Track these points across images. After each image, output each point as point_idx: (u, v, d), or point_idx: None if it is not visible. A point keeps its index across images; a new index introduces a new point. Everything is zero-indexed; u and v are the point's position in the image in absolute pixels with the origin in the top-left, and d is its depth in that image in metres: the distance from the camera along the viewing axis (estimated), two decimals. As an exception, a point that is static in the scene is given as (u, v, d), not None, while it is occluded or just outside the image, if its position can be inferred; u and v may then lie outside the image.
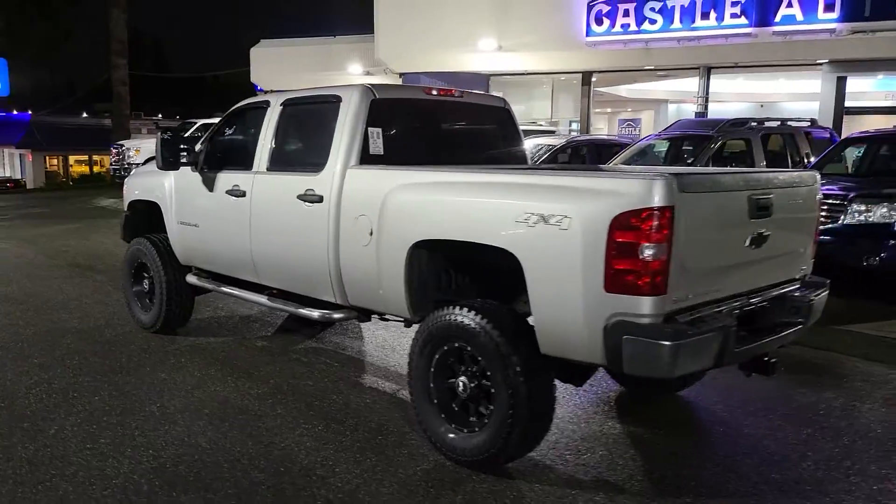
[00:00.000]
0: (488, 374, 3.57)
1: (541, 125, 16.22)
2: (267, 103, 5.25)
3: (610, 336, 3.14)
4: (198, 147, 5.70)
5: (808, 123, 10.37)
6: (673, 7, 14.09)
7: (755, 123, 9.81)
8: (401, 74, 17.65)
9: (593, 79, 17.57)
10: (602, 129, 24.71)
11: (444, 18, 16.30)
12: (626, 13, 14.52)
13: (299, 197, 4.63)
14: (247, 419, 4.34)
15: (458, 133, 5.29)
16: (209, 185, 5.49)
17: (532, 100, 19.26)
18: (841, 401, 4.86)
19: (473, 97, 5.29)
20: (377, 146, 4.56)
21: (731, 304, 3.54)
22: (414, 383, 3.97)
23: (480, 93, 5.49)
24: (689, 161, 9.33)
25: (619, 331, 3.12)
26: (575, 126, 18.11)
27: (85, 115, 51.29)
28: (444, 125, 5.15)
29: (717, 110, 16.70)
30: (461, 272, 4.25)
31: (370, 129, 4.52)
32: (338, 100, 4.64)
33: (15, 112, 42.96)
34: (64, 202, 20.98)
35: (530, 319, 3.52)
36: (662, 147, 10.53)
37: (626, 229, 3.06)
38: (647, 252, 3.04)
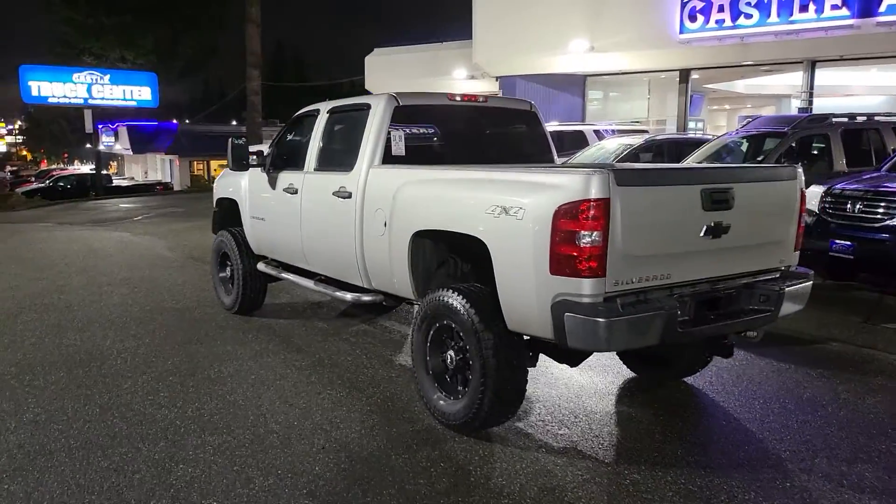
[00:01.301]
0: (467, 347, 4.05)
1: (636, 124, 16.16)
2: (317, 111, 5.97)
3: (555, 313, 3.55)
4: (266, 150, 6.53)
5: (900, 118, 9.90)
6: (770, 1, 13.71)
7: (837, 119, 9.54)
8: (497, 78, 18.15)
9: (694, 76, 17.30)
10: (722, 126, 24.05)
11: (538, 22, 16.65)
12: (721, 9, 14.27)
13: (334, 193, 5.29)
14: (283, 384, 5.05)
15: (482, 135, 5.76)
16: (273, 183, 6.29)
17: (629, 99, 19.18)
18: (850, 394, 4.91)
19: (498, 101, 5.76)
20: (399, 148, 5.14)
21: (687, 288, 3.83)
22: (414, 356, 4.52)
23: (506, 97, 5.93)
24: (760, 159, 9.23)
25: (561, 309, 3.52)
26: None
27: (234, 122, 55.31)
28: (468, 128, 5.64)
29: (845, 105, 15.98)
30: (463, 259, 4.74)
31: (392, 132, 5.11)
32: (368, 107, 5.26)
33: (158, 121, 47.02)
34: (199, 202, 23.07)
35: None
36: (744, 145, 10.43)
37: (566, 219, 3.46)
38: (585, 239, 3.43)
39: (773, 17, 13.74)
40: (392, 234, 4.68)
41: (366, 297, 5.32)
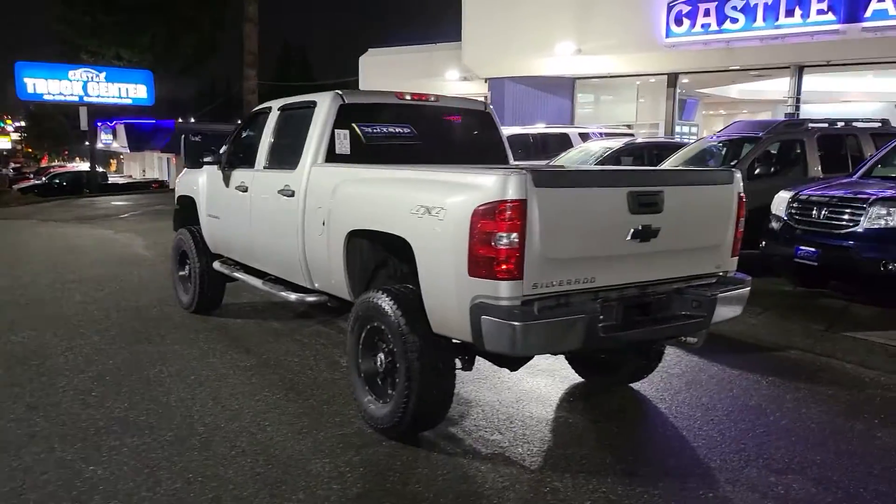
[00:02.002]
0: (395, 350, 3.98)
1: (620, 128, 16.09)
2: (270, 109, 5.90)
3: (473, 316, 3.47)
4: (223, 148, 6.46)
5: (878, 124, 9.81)
6: (756, 5, 13.64)
7: (814, 125, 9.45)
8: (486, 80, 18.08)
9: (684, 80, 17.22)
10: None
11: (526, 24, 16.58)
12: (707, 13, 14.20)
13: (279, 191, 5.22)
14: (221, 385, 4.97)
15: (433, 135, 5.67)
16: (227, 181, 6.22)
17: (619, 103, 19.11)
18: (797, 403, 4.83)
19: (451, 101, 5.68)
20: (343, 146, 5.06)
21: (613, 293, 3.75)
22: (348, 358, 4.44)
23: (460, 97, 5.85)
24: (733, 164, 9.15)
25: (479, 311, 3.44)
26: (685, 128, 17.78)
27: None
28: (418, 128, 5.56)
29: (840, 111, 15.86)
30: (400, 260, 4.66)
31: (337, 130, 5.04)
32: (314, 105, 5.19)
33: (156, 119, 46.99)
34: (187, 201, 23.00)
35: None
36: (724, 149, 10.34)
37: (483, 219, 3.38)
38: (502, 241, 3.35)
39: (759, 22, 13.66)
40: (329, 234, 4.61)
41: (310, 298, 5.24)
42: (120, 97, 32.62)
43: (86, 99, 31.35)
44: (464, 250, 3.46)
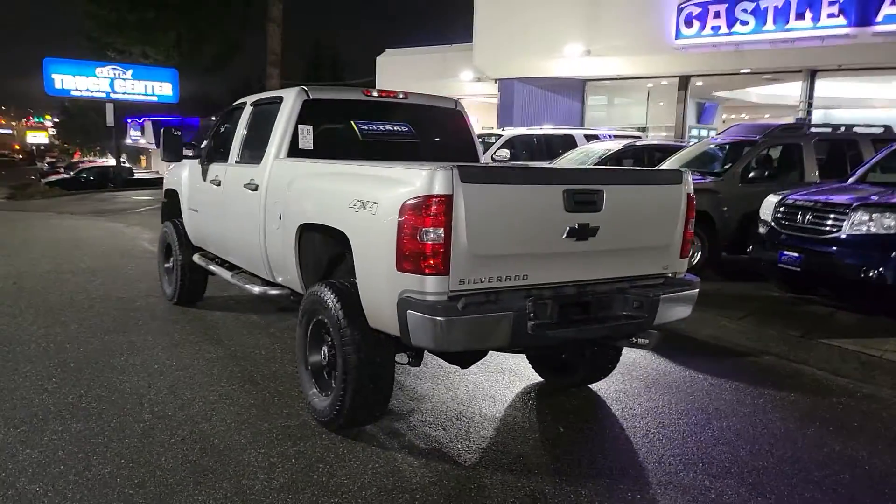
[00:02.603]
0: (335, 343, 4.00)
1: (628, 130, 15.95)
2: (244, 104, 5.97)
3: (400, 311, 3.48)
4: (204, 142, 6.55)
5: (881, 130, 9.61)
6: (766, 8, 13.45)
7: (812, 129, 9.30)
8: (496, 80, 18.06)
9: (698, 83, 17.03)
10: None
11: (535, 25, 16.53)
12: (717, 15, 14.03)
13: (245, 185, 5.28)
14: (181, 375, 5.04)
15: (400, 130, 5.68)
16: (204, 175, 6.30)
17: (630, 105, 18.95)
18: (755, 408, 4.76)
19: (420, 99, 5.69)
20: (307, 141, 5.10)
21: (548, 291, 3.73)
22: (297, 351, 4.48)
23: (430, 95, 5.85)
24: (727, 167, 9.04)
25: (405, 306, 3.45)
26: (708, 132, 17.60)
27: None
28: (384, 123, 5.58)
29: (863, 117, 15.53)
30: (350, 254, 4.68)
31: (300, 126, 5.08)
32: (280, 100, 5.24)
33: (182, 117, 47.61)
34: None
35: None
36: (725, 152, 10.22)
37: (410, 214, 3.39)
38: (427, 236, 3.35)
39: (769, 25, 13.46)
40: (283, 227, 4.65)
41: (272, 291, 5.29)
42: (146, 94, 33.11)
43: (112, 95, 31.86)
44: (392, 245, 3.48)
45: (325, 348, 4.20)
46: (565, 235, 3.69)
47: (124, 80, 32.27)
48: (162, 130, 6.33)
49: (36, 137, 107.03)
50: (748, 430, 4.40)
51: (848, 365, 5.65)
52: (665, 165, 10.08)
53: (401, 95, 5.57)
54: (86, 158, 66.99)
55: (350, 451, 3.88)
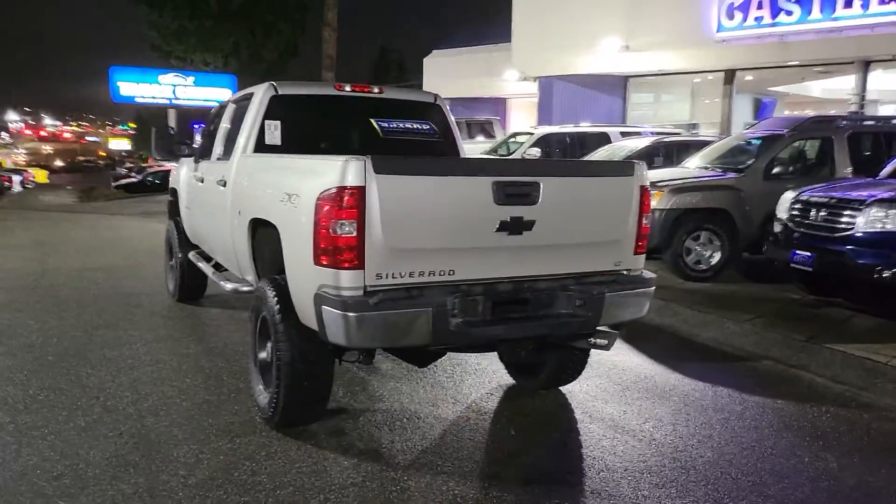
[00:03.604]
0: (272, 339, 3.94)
1: (671, 127, 15.42)
2: (227, 102, 6.00)
3: (316, 306, 3.39)
4: (197, 141, 6.63)
5: (923, 122, 8.97)
6: (812, -4, 12.78)
7: (845, 122, 8.76)
8: (535, 79, 17.78)
9: (748, 78, 16.37)
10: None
11: (573, 21, 16.20)
12: (760, 5, 13.42)
13: (217, 182, 5.29)
14: (150, 370, 5.07)
15: (374, 127, 5.58)
16: (194, 173, 6.37)
17: (675, 102, 18.35)
18: (731, 416, 4.47)
19: (396, 93, 5.60)
20: (274, 137, 5.07)
21: (478, 287, 3.56)
22: (249, 346, 4.44)
23: (409, 90, 5.75)
24: (750, 163, 8.59)
25: (320, 301, 3.36)
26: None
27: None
28: (359, 120, 5.50)
29: None
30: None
31: (267, 121, 5.05)
32: (251, 96, 5.23)
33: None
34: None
35: None
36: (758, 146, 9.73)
37: (324, 207, 3.29)
38: (340, 229, 3.25)
39: (816, 14, 12.78)
40: (241, 222, 4.63)
41: (243, 288, 5.27)
42: (206, 100, 34.09)
43: (175, 101, 32.99)
44: (310, 238, 3.39)
45: (269, 344, 4.14)
46: (496, 229, 3.52)
47: (186, 86, 33.38)
48: (154, 129, 6.44)
49: (118, 144, 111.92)
50: (715, 437, 4.12)
51: (850, 371, 5.25)
52: (690, 161, 9.68)
53: (375, 90, 5.47)
54: (156, 163, 69.49)
55: (283, 450, 3.81)
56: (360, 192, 3.22)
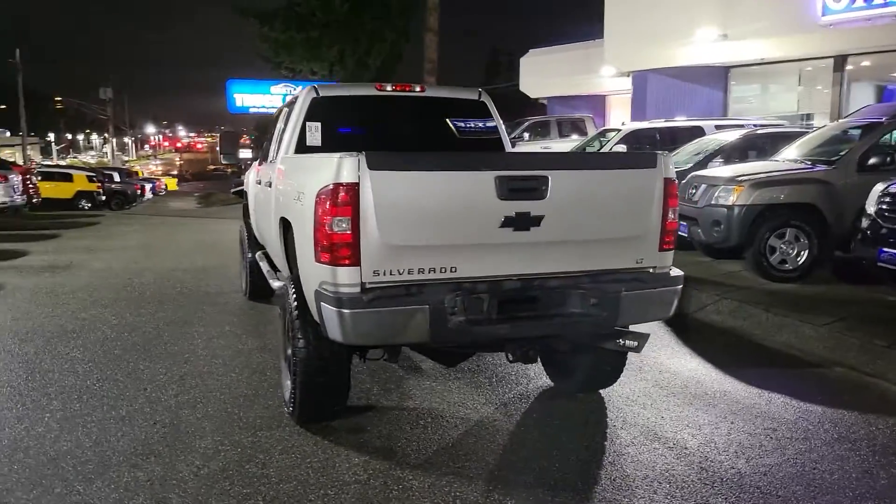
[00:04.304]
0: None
1: (774, 118, 14.47)
2: (283, 107, 6.18)
3: (316, 302, 3.42)
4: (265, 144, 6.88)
5: None
6: (932, -31, 11.63)
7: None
8: (629, 73, 17.22)
9: (864, 63, 15.14)
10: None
11: (667, 11, 15.54)
12: (870, -16, 12.35)
13: (265, 183, 5.47)
14: (203, 364, 5.28)
15: (418, 127, 5.58)
16: (257, 175, 6.61)
17: (777, 92, 17.20)
18: (775, 424, 4.13)
19: (438, 91, 5.57)
20: (314, 138, 5.18)
21: (482, 285, 3.47)
22: (280, 342, 4.55)
23: (451, 87, 5.69)
24: (843, 153, 7.92)
25: (319, 298, 3.38)
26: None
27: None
28: (402, 120, 5.50)
29: None
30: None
31: (308, 123, 5.16)
32: (296, 100, 5.37)
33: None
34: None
35: None
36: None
37: (322, 204, 3.32)
38: (336, 226, 3.26)
39: (935, -10, 11.63)
40: (274, 221, 4.76)
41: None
42: (313, 108, 35.62)
43: (285, 110, 34.59)
44: (311, 235, 3.43)
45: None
46: (500, 225, 3.42)
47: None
48: (220, 133, 6.73)
49: (245, 153, 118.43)
50: (756, 447, 3.82)
51: (933, 381, 4.73)
52: (782, 153, 9.05)
53: (417, 88, 5.47)
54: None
55: (298, 445, 3.86)
56: (354, 189, 3.22)
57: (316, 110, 5.17)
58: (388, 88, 5.42)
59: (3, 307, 7.27)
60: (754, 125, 13.09)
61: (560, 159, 3.61)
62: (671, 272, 3.81)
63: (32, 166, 27.20)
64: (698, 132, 13.07)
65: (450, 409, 4.41)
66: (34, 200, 19.19)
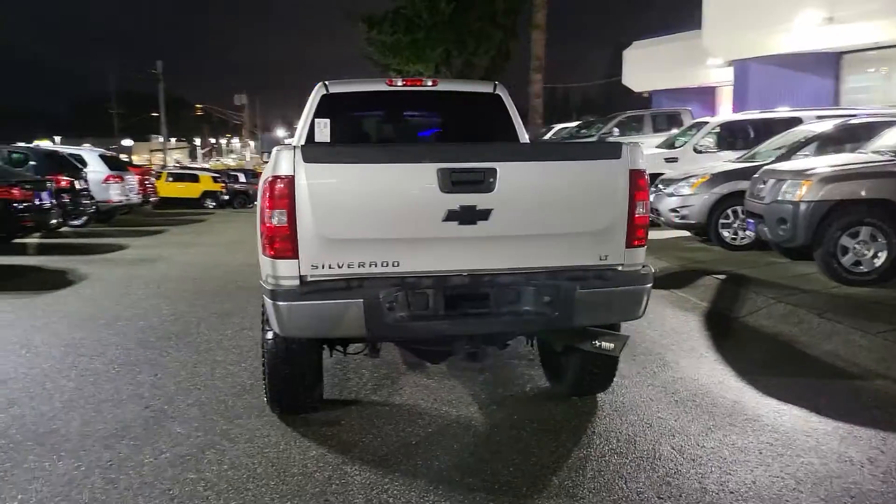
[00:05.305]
0: (265, 328, 4.07)
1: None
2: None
3: (263, 295, 3.46)
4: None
5: None
6: None
7: None
8: (730, 63, 16.24)
9: None
10: None
11: (768, -3, 14.52)
12: None
13: (283, 180, 5.60)
14: (224, 353, 5.47)
15: (431, 121, 5.52)
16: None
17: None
18: (785, 440, 3.76)
19: (451, 84, 5.49)
20: (323, 134, 5.25)
21: (426, 280, 3.38)
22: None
23: (465, 80, 5.61)
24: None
25: (262, 290, 3.42)
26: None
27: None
28: (412, 113, 5.47)
29: None
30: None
31: (317, 119, 5.24)
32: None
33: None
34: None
35: None
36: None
37: (263, 197, 3.35)
38: (274, 218, 3.29)
39: None
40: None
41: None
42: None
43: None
44: (258, 228, 3.47)
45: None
46: (444, 219, 3.31)
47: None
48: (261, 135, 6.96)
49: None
50: (750, 462, 3.49)
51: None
52: (875, 143, 8.24)
53: (429, 83, 5.41)
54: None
55: (266, 435, 3.91)
56: (290, 182, 3.23)
57: (325, 107, 5.24)
58: (399, 83, 5.39)
59: (76, 296, 7.89)
60: (867, 114, 12.01)
61: (511, 150, 3.44)
62: (640, 270, 3.55)
63: (151, 168, 29.30)
64: (797, 124, 12.15)
65: (433, 408, 4.33)
66: (151, 199, 20.67)
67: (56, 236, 14.20)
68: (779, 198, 7.30)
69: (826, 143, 9.54)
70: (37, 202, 11.90)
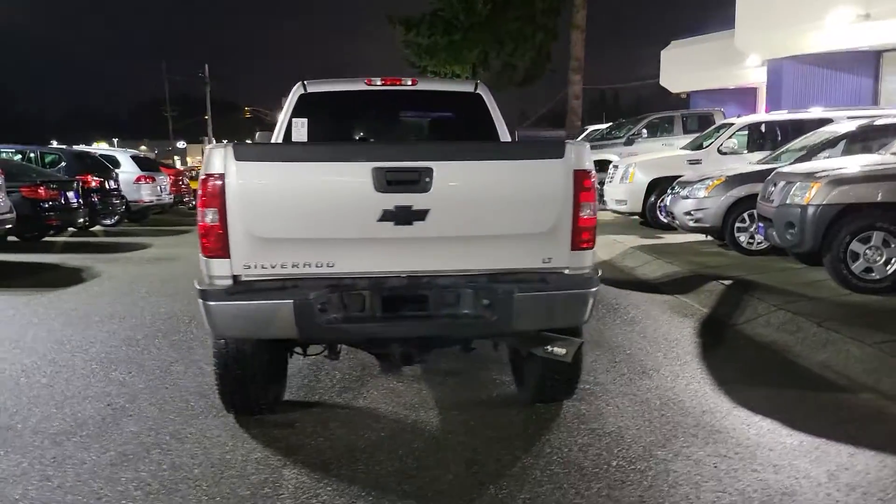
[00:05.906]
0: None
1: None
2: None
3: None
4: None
5: None
6: None
7: None
8: (764, 62, 15.75)
9: None
10: None
11: (801, -6, 14.03)
12: None
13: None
14: (205, 346, 5.50)
15: (408, 119, 5.45)
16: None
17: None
18: (744, 452, 3.58)
19: (431, 84, 5.42)
20: (300, 134, 5.23)
21: (363, 281, 3.31)
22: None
23: (445, 80, 5.54)
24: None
25: (196, 290, 3.40)
26: None
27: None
28: (391, 113, 5.41)
29: None
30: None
31: (294, 119, 5.23)
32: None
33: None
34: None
35: None
36: None
37: (199, 196, 3.33)
38: (207, 217, 3.27)
39: None
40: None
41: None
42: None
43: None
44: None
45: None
46: (379, 219, 3.24)
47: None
48: (258, 133, 6.98)
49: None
50: (684, 474, 3.33)
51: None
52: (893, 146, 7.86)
53: (408, 82, 5.35)
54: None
55: (216, 435, 3.88)
56: (221, 180, 3.20)
57: (303, 107, 5.22)
58: (378, 82, 5.34)
59: (83, 293, 8.04)
60: (882, 115, 11.52)
61: (448, 149, 3.34)
62: (586, 273, 3.41)
63: (184, 169, 29.91)
64: (827, 125, 11.71)
65: (393, 411, 4.26)
66: (185, 199, 21.07)
67: (86, 235, 14.60)
68: (787, 201, 7.01)
69: (850, 144, 9.15)
70: (63, 202, 12.25)
